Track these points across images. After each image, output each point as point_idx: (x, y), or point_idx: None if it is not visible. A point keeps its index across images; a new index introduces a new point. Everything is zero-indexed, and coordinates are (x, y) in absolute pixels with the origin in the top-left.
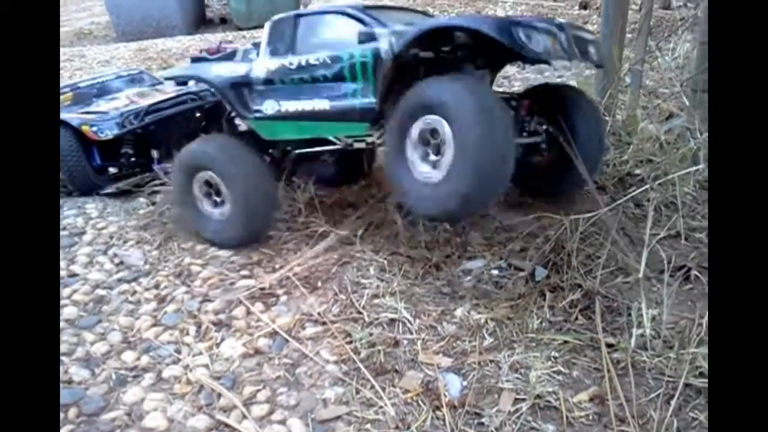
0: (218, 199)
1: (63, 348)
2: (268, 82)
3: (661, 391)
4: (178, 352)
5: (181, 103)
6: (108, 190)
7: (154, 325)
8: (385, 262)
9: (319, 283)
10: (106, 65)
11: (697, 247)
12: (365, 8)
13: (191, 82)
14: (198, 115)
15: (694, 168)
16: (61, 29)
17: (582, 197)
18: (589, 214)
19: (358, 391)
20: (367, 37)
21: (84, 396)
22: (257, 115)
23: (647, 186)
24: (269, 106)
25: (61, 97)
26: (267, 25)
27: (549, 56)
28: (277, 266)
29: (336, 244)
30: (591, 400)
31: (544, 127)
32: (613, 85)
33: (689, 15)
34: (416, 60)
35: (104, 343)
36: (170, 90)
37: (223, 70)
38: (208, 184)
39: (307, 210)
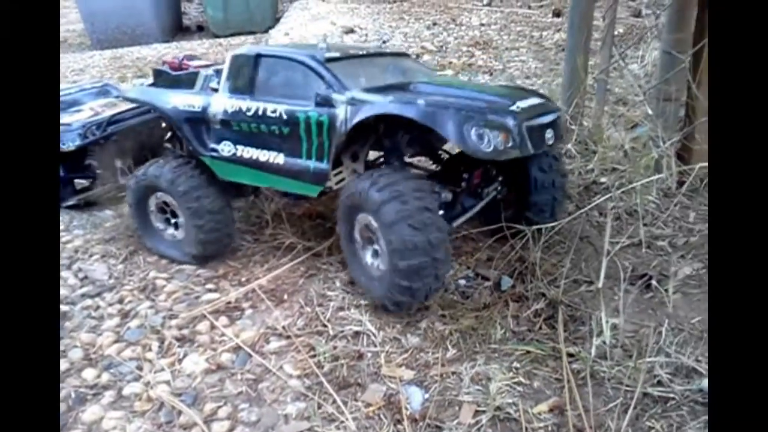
0: (174, 220)
1: None
2: (225, 122)
3: (619, 401)
4: (140, 368)
5: (145, 113)
6: (70, 203)
7: (116, 342)
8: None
9: (285, 296)
10: (80, 74)
11: (658, 255)
12: (329, 60)
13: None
14: (163, 124)
15: (657, 176)
16: None
17: None
18: (551, 224)
19: (320, 406)
20: (324, 102)
21: None
22: (213, 154)
23: (609, 195)
24: (225, 148)
25: None
26: (227, 59)
27: (498, 155)
28: (243, 279)
29: (303, 256)
30: (550, 410)
31: (500, 179)
32: (579, 94)
33: (656, 23)
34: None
35: (65, 360)
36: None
37: (180, 102)
38: (163, 205)
39: (274, 222)
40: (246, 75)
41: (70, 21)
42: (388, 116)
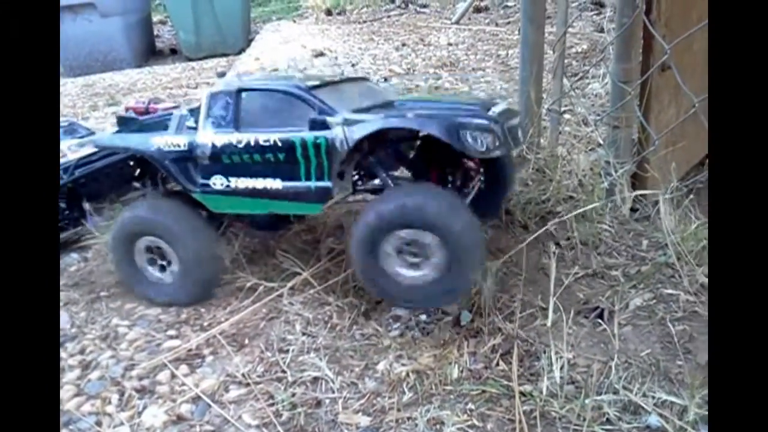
0: (163, 263)
1: None
2: (214, 157)
3: None
4: (99, 424)
5: (112, 154)
6: None
7: (76, 395)
8: (311, 316)
9: (246, 341)
10: None
11: (611, 285)
12: (312, 88)
13: None
14: (131, 164)
15: (604, 201)
16: None
17: (504, 236)
18: (503, 259)
19: None
20: (319, 126)
21: None
22: (204, 189)
23: (556, 221)
24: (217, 181)
25: None
26: (205, 97)
27: (489, 153)
28: (205, 324)
29: (264, 298)
30: None
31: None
32: (534, 125)
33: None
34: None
35: None
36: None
37: (163, 143)
38: (149, 249)
39: (234, 263)
40: (228, 110)
41: None
42: (379, 133)
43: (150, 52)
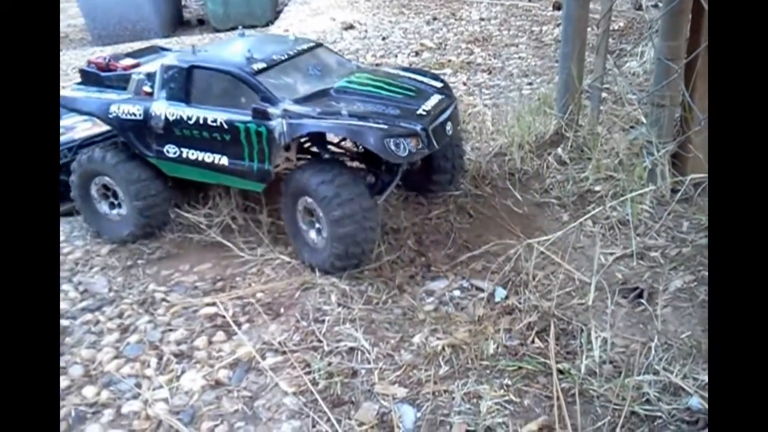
0: (115, 201)
1: None
2: (167, 128)
3: (606, 420)
4: (139, 386)
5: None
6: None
7: (115, 358)
8: (347, 287)
9: (282, 310)
10: None
11: (651, 267)
12: (258, 72)
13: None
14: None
15: (649, 188)
16: None
17: (543, 213)
18: (544, 238)
19: (314, 425)
20: (261, 115)
21: None
22: (159, 155)
23: (601, 207)
24: (170, 150)
25: None
26: (160, 68)
27: (411, 158)
28: (240, 292)
29: (300, 268)
30: (540, 430)
31: None
32: (573, 101)
33: (650, 24)
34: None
35: (65, 377)
36: None
37: (120, 111)
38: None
39: (270, 234)
40: (181, 84)
41: (71, 16)
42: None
43: (177, 23)
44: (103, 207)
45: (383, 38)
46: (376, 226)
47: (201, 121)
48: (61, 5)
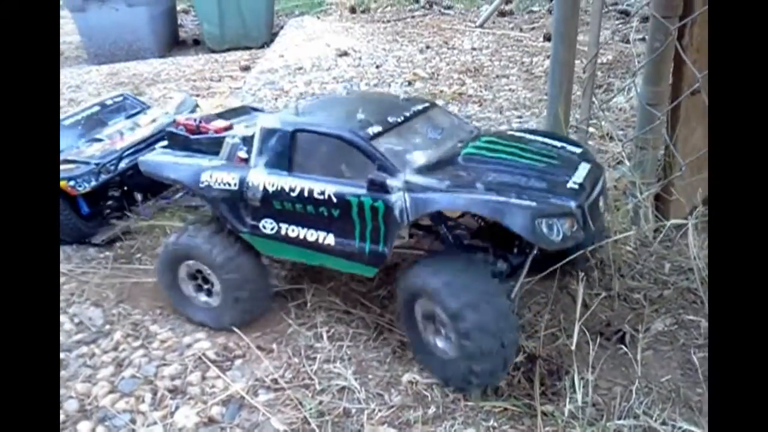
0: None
1: None
2: (265, 200)
3: None
4: (133, 421)
5: (159, 140)
6: (96, 241)
7: (110, 392)
8: (338, 324)
9: (274, 346)
10: (77, 90)
11: (633, 309)
12: (374, 137)
13: (175, 104)
14: None
15: (631, 233)
16: None
17: None
18: (529, 279)
19: None
20: (378, 188)
21: None
22: (254, 231)
23: (582, 251)
24: (267, 225)
25: None
26: (258, 132)
27: (565, 243)
28: (233, 327)
29: (290, 305)
30: None
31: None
32: None
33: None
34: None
35: (61, 412)
36: (149, 120)
37: (213, 179)
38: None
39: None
40: (282, 150)
41: (66, 33)
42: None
43: (173, 43)
44: (192, 291)
45: (377, 66)
46: (515, 338)
47: (305, 193)
48: None
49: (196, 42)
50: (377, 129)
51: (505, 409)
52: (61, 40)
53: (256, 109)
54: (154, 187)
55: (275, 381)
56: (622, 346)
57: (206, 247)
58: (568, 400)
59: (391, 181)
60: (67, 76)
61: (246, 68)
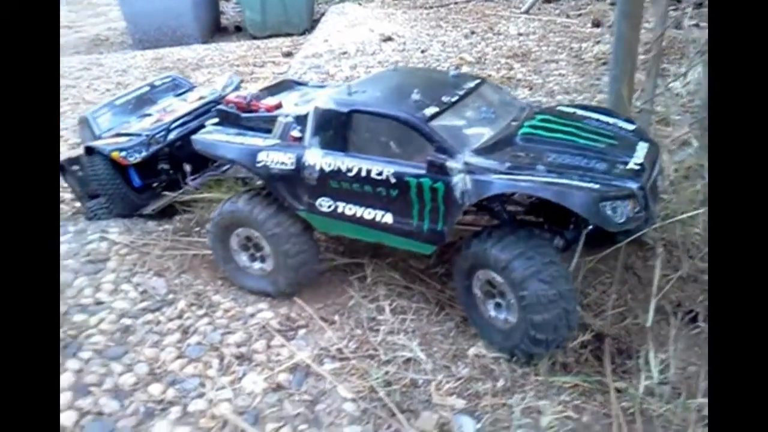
0: (258, 254)
1: (92, 379)
2: (322, 180)
3: None
4: (203, 385)
5: (205, 113)
6: (147, 211)
7: (178, 357)
8: (399, 298)
9: (336, 317)
10: (123, 74)
11: (704, 289)
12: (431, 118)
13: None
14: None
15: (697, 211)
16: (78, 35)
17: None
18: (593, 257)
19: (375, 431)
20: (438, 170)
21: (114, 428)
22: (310, 209)
23: (652, 226)
24: (324, 204)
25: (99, 119)
26: (312, 113)
27: (628, 224)
28: (295, 298)
29: (350, 278)
30: None
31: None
32: None
33: (699, 37)
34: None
35: (132, 374)
36: (196, 96)
37: (269, 159)
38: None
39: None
40: (338, 131)
41: (111, 18)
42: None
43: (215, 29)
44: (244, 259)
45: (422, 51)
46: (575, 306)
47: (363, 174)
48: (102, 9)
49: (238, 28)
50: (434, 110)
51: (576, 385)
52: (106, 26)
53: (299, 83)
54: (203, 158)
55: (340, 351)
56: (698, 326)
57: (247, 208)
58: (642, 377)
59: (450, 163)
60: (113, 60)
61: (288, 54)
